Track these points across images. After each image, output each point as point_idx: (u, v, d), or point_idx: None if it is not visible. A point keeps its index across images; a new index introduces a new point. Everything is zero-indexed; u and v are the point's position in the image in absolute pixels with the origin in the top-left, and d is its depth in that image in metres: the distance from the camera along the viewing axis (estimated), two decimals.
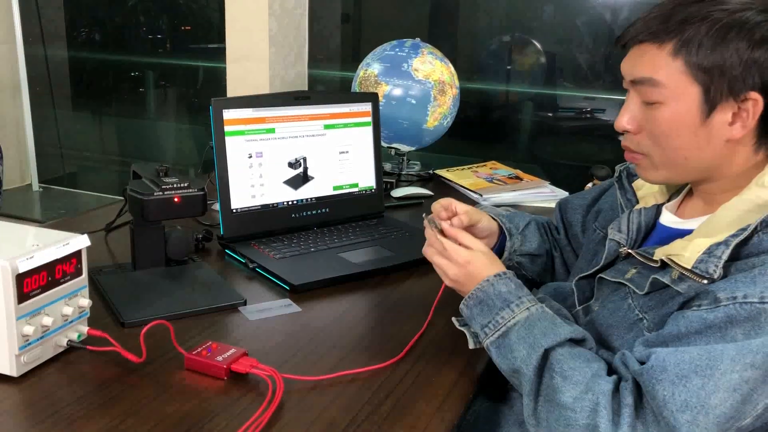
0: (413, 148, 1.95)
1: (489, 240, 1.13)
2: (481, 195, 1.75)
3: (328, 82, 2.84)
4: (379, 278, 1.23)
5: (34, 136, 3.16)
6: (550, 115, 2.75)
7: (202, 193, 1.08)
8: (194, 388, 0.87)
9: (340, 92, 1.74)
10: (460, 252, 0.95)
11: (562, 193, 1.81)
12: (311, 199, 1.43)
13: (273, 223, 1.38)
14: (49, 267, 0.88)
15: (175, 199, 1.06)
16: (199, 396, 0.85)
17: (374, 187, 1.52)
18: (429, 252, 0.99)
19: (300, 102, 1.40)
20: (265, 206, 1.37)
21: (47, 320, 0.88)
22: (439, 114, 1.87)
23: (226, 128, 1.31)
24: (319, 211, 1.44)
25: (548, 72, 2.67)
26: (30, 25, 3.10)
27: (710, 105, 0.82)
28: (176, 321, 1.02)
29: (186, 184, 1.07)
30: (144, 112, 3.45)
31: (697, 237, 0.83)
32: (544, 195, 1.79)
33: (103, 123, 3.54)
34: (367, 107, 1.50)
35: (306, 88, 2.53)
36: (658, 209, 0.98)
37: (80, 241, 0.93)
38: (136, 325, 1.01)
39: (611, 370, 0.86)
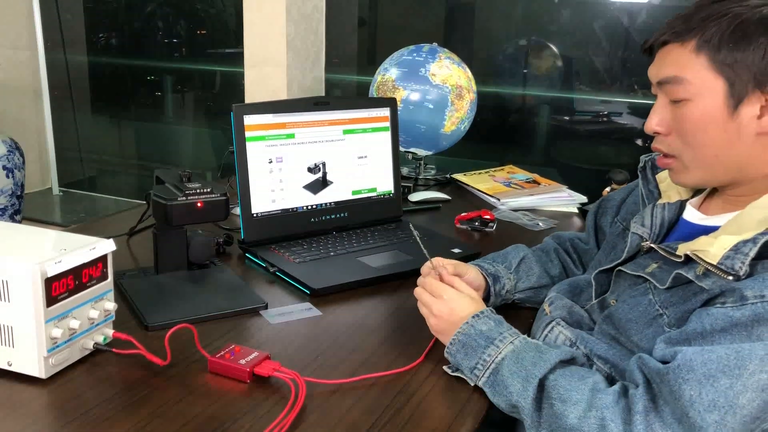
0: (431, 153, 1.96)
1: (478, 293, 1.12)
2: (498, 199, 1.76)
3: (344, 87, 2.86)
4: (398, 282, 1.24)
5: (55, 140, 3.20)
6: (567, 118, 2.75)
7: (224, 198, 1.10)
8: (218, 391, 0.88)
9: (359, 97, 1.75)
10: (447, 290, 0.98)
11: (580, 198, 1.81)
12: (330, 203, 1.44)
13: (293, 227, 1.39)
14: (77, 271, 0.89)
15: (198, 204, 1.07)
16: (224, 398, 0.86)
17: (392, 192, 1.53)
18: (419, 290, 1.01)
19: (319, 107, 1.41)
20: (285, 210, 1.39)
21: (74, 323, 0.90)
22: (457, 119, 1.88)
23: (247, 134, 1.32)
24: (338, 215, 1.45)
25: (565, 75, 2.66)
26: (51, 32, 3.14)
27: (736, 99, 0.83)
28: (199, 324, 1.04)
29: (209, 190, 1.08)
30: (162, 116, 3.48)
31: (723, 234, 0.83)
32: (561, 199, 1.79)
33: (122, 127, 3.57)
34: (385, 112, 1.51)
35: (323, 93, 2.55)
36: (681, 205, 0.98)
37: (106, 246, 0.94)
38: (160, 328, 1.02)
39: (614, 375, 0.86)
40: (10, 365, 0.89)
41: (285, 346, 1.01)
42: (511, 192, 1.80)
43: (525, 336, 0.93)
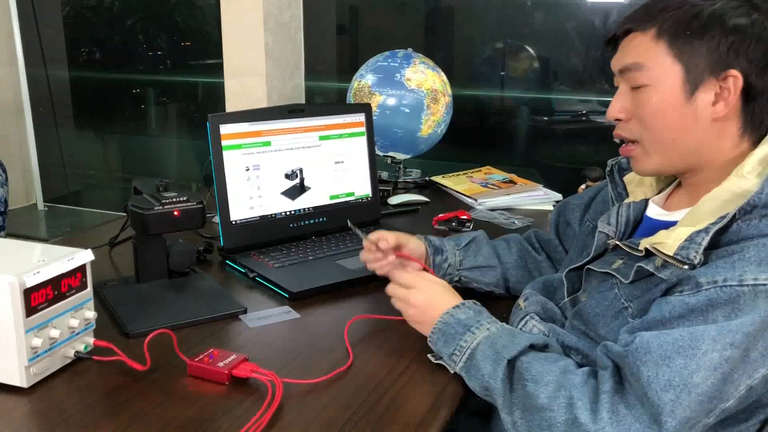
0: (409, 156, 1.99)
1: (421, 261, 1.17)
2: (476, 200, 1.79)
3: (325, 93, 2.89)
4: (375, 284, 1.26)
5: (38, 155, 3.21)
6: (546, 119, 2.79)
7: (200, 206, 1.12)
8: (197, 394, 0.90)
9: (334, 104, 1.77)
10: (421, 280, 1.02)
11: (556, 195, 1.84)
12: (308, 209, 1.47)
13: (271, 233, 1.41)
14: (55, 281, 0.91)
15: (175, 213, 1.10)
16: (202, 401, 0.88)
17: (370, 196, 1.56)
18: (392, 287, 1.05)
19: (295, 115, 1.44)
20: (263, 217, 1.41)
21: (54, 332, 0.92)
22: (433, 122, 1.91)
23: (224, 143, 1.35)
24: (316, 220, 1.48)
25: (542, 77, 2.70)
26: (31, 47, 3.15)
27: (693, 84, 0.87)
28: (179, 330, 1.06)
29: (185, 198, 1.11)
30: (146, 129, 3.50)
31: (680, 227, 0.87)
32: (537, 198, 1.82)
33: (106, 141, 3.59)
34: (360, 118, 1.53)
35: (303, 101, 2.57)
36: (646, 203, 1.01)
37: (84, 256, 0.96)
38: (141, 335, 1.04)
39: (586, 364, 0.89)
40: None
41: (263, 348, 1.03)
42: (488, 192, 1.83)
43: (503, 324, 0.96)
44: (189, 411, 0.86)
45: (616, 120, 0.95)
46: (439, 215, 1.62)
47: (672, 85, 0.88)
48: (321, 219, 1.48)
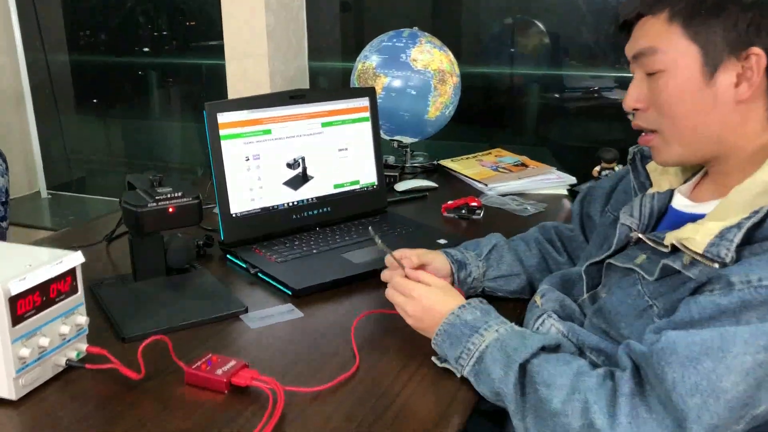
0: (416, 140, 1.92)
1: (446, 280, 1.09)
2: (486, 185, 1.73)
3: (329, 74, 2.81)
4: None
5: (40, 143, 3.16)
6: (557, 96, 2.71)
7: (197, 201, 1.07)
8: (195, 404, 0.85)
9: (336, 89, 1.71)
10: (416, 287, 0.97)
11: (569, 178, 1.78)
12: (312, 199, 1.41)
13: (274, 225, 1.36)
14: (43, 287, 0.86)
15: (170, 210, 1.04)
16: (200, 411, 0.84)
17: (376, 183, 1.50)
18: (390, 292, 1.01)
19: (296, 101, 1.38)
20: (265, 209, 1.35)
21: (44, 341, 0.87)
22: (441, 104, 1.84)
23: (222, 132, 1.29)
24: (320, 210, 1.42)
25: (553, 52, 2.62)
26: (30, 33, 3.08)
27: (712, 66, 0.82)
28: (177, 333, 1.02)
29: (180, 194, 1.05)
30: (148, 112, 3.44)
31: (709, 221, 0.81)
32: (550, 181, 1.76)
33: (108, 126, 3.53)
34: (364, 102, 1.47)
35: (307, 83, 2.50)
36: (671, 194, 0.96)
37: (74, 259, 0.91)
38: (137, 339, 1.00)
39: (608, 366, 0.84)
40: None
41: (265, 351, 0.98)
42: (499, 176, 1.77)
43: (512, 324, 0.91)
44: (186, 423, 0.82)
45: (634, 110, 0.90)
46: (448, 202, 1.56)
47: (689, 68, 0.83)
48: (325, 209, 1.43)
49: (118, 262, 1.32)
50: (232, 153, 1.30)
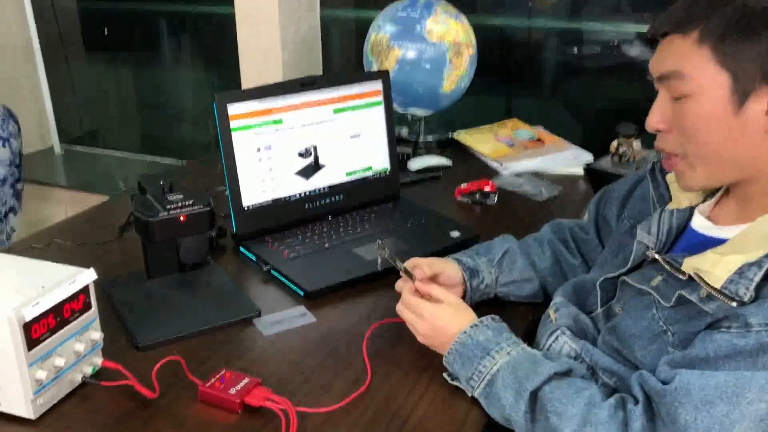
0: (430, 112, 1.89)
1: (458, 288, 1.09)
2: (501, 163, 1.70)
3: (342, 25, 2.74)
4: (393, 276, 1.20)
5: (51, 96, 3.13)
6: (576, 51, 2.63)
7: (208, 209, 1.06)
8: (208, 425, 0.87)
9: (348, 74, 1.67)
10: (426, 306, 0.96)
11: (585, 157, 1.75)
12: (324, 188, 1.40)
13: (286, 216, 1.35)
14: (57, 308, 0.87)
15: (181, 218, 1.03)
16: None
17: (389, 170, 1.48)
18: (400, 308, 1.00)
19: (307, 88, 1.35)
20: (276, 200, 1.34)
21: (59, 361, 0.88)
22: (456, 77, 1.79)
23: (232, 124, 1.27)
24: (332, 199, 1.41)
25: (572, 5, 2.53)
26: None
27: (742, 94, 0.78)
28: (190, 340, 1.03)
29: (191, 202, 1.04)
30: (159, 61, 3.38)
31: (729, 252, 0.79)
32: (566, 160, 1.72)
33: (119, 76, 3.48)
34: (377, 86, 1.43)
35: (319, 40, 2.44)
36: (691, 211, 0.93)
37: (86, 277, 0.91)
38: (151, 347, 1.01)
39: (619, 387, 0.85)
40: None
41: (277, 365, 0.99)
42: (514, 154, 1.74)
43: (524, 346, 0.91)
44: None
45: (657, 131, 0.86)
46: (462, 186, 1.54)
47: (717, 95, 0.79)
48: (337, 197, 1.41)
49: (131, 254, 1.31)
50: (243, 145, 1.28)
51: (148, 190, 1.10)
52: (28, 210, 2.76)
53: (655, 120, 0.86)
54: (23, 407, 0.86)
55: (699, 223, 0.91)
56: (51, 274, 0.90)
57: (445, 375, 0.95)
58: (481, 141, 1.83)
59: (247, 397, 0.89)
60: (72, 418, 0.88)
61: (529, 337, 1.07)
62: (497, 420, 0.88)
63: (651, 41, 0.87)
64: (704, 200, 0.94)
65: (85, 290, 0.91)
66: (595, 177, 1.75)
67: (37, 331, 0.84)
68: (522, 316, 1.12)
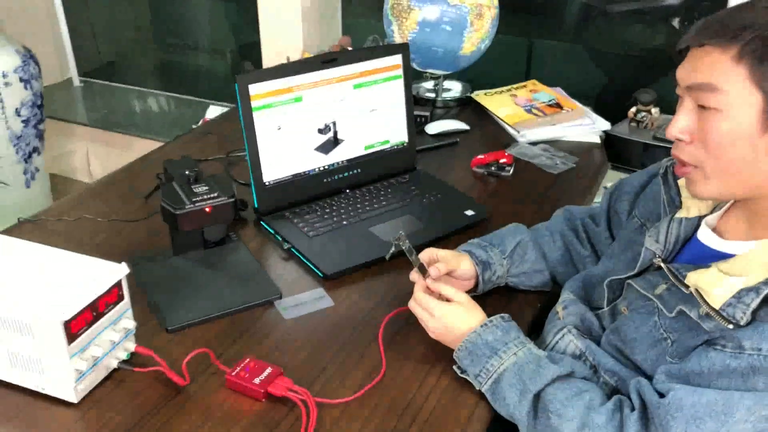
0: (448, 72, 1.88)
1: (471, 281, 1.14)
2: (518, 131, 1.71)
3: None
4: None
5: (68, 26, 3.11)
6: None
7: (232, 200, 1.10)
8: (235, 414, 0.94)
9: (368, 49, 1.66)
10: (437, 306, 1.01)
11: (603, 124, 1.75)
12: (342, 162, 1.43)
13: (305, 190, 1.39)
14: (93, 304, 0.93)
15: (207, 210, 1.08)
16: (241, 424, 0.92)
17: (406, 142, 1.50)
18: (412, 305, 1.05)
19: (327, 65, 1.35)
20: (296, 175, 1.38)
21: (96, 350, 0.95)
22: (477, 39, 1.78)
23: (254, 103, 1.29)
24: (350, 173, 1.44)
25: None
26: None
27: None
28: (215, 322, 1.09)
29: (216, 194, 1.08)
30: None
31: (731, 271, 0.82)
32: (584, 128, 1.73)
33: (137, 6, 3.44)
34: (397, 60, 1.44)
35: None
36: (699, 220, 0.96)
37: (120, 271, 0.97)
38: (179, 329, 1.08)
39: (619, 387, 0.91)
40: (44, 390, 0.95)
41: (296, 351, 1.05)
42: (531, 121, 1.74)
43: (530, 346, 0.97)
44: None
45: (677, 140, 0.87)
46: (478, 156, 1.56)
47: (747, 114, 0.79)
48: (355, 171, 1.45)
49: (156, 229, 1.33)
50: (264, 123, 1.31)
51: (174, 177, 1.14)
52: (50, 146, 2.81)
53: (677, 129, 0.86)
54: (67, 392, 0.94)
55: (705, 235, 0.93)
56: (87, 270, 0.96)
57: (455, 368, 1.01)
58: (500, 104, 1.83)
59: (270, 387, 0.96)
60: (109, 401, 0.96)
61: (537, 325, 1.13)
62: (502, 414, 0.95)
63: (680, 50, 0.86)
64: (713, 211, 0.96)
65: (118, 284, 0.97)
66: (612, 143, 1.76)
67: (75, 326, 0.91)
68: (531, 304, 1.17)
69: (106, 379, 0.99)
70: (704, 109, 0.82)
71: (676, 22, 2.38)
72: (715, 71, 0.80)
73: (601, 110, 1.82)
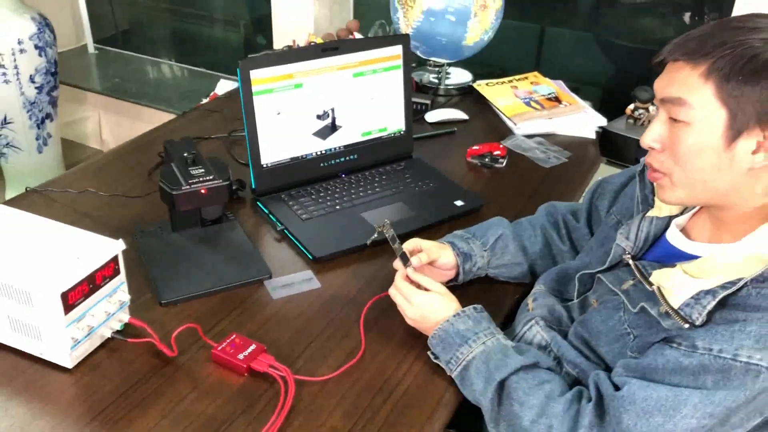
0: (452, 61, 1.91)
1: (452, 271, 1.19)
2: (515, 123, 1.74)
3: None
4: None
5: None
6: None
7: (227, 183, 1.15)
8: (219, 386, 1.00)
9: (370, 39, 1.69)
10: (416, 294, 1.07)
11: (599, 119, 1.78)
12: (339, 147, 1.47)
13: (302, 173, 1.44)
14: (90, 277, 0.99)
15: (202, 191, 1.13)
16: (223, 395, 0.98)
17: (403, 130, 1.54)
18: (393, 292, 1.10)
19: (328, 53, 1.39)
20: (294, 158, 1.43)
21: (92, 320, 1.01)
22: (480, 30, 1.81)
23: (254, 88, 1.33)
24: (346, 158, 1.49)
25: None
26: None
27: (736, 131, 0.83)
28: (206, 298, 1.15)
29: (212, 177, 1.13)
30: None
31: (694, 272, 0.87)
32: (579, 123, 1.76)
33: None
34: (397, 50, 1.47)
35: None
36: (669, 221, 1.00)
37: (116, 247, 1.03)
38: (173, 303, 1.14)
39: (581, 379, 0.97)
40: (42, 355, 1.02)
41: (282, 330, 1.11)
42: (529, 114, 1.78)
43: (499, 336, 1.02)
44: (211, 408, 0.97)
45: (650, 148, 0.92)
46: (474, 147, 1.60)
47: (713, 129, 0.84)
48: (352, 156, 1.49)
49: (158, 204, 1.39)
50: (264, 108, 1.35)
51: (173, 157, 1.19)
52: (63, 112, 2.86)
53: (650, 138, 0.91)
54: (62, 358, 1.00)
55: (673, 235, 0.98)
56: (86, 244, 1.02)
57: (429, 353, 1.06)
58: (500, 95, 1.86)
59: (253, 362, 1.02)
60: (102, 369, 1.02)
61: (515, 314, 1.18)
62: (470, 400, 1.00)
63: (658, 62, 0.90)
64: (682, 212, 1.00)
65: (114, 259, 1.03)
66: (609, 139, 1.79)
67: (72, 298, 0.97)
68: (510, 295, 1.22)
69: (100, 347, 1.06)
70: (675, 121, 0.87)
71: (686, 17, 2.39)
72: (684, 86, 0.84)
73: (604, 102, 1.85)
